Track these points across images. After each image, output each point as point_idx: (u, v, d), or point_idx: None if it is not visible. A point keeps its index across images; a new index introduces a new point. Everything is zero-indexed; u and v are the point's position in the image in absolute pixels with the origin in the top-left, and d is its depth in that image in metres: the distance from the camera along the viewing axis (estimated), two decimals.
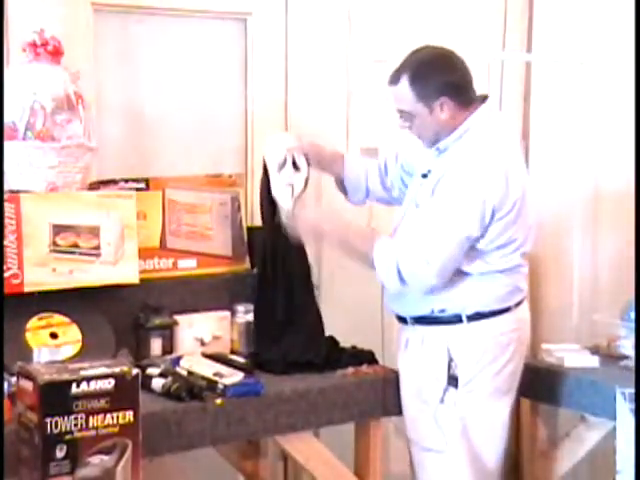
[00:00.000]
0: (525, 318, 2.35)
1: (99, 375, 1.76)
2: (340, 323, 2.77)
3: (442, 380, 2.23)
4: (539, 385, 2.56)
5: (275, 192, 2.35)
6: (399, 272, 2.16)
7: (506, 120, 2.40)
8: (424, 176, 2.28)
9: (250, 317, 2.51)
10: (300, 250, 2.42)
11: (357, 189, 2.50)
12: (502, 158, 2.18)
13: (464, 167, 2.17)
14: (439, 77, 2.16)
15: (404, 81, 2.18)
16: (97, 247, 2.29)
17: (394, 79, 2.20)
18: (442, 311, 2.25)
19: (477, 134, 2.21)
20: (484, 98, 2.27)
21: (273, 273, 2.42)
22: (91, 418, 1.74)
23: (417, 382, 2.28)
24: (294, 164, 2.36)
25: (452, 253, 2.15)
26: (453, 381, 2.22)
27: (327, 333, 2.49)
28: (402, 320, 2.35)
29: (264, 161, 2.40)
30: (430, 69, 2.17)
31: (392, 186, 2.49)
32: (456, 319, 2.24)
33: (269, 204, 2.38)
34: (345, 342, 2.55)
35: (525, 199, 2.20)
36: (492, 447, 2.29)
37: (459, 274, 2.21)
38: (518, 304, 2.29)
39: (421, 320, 2.29)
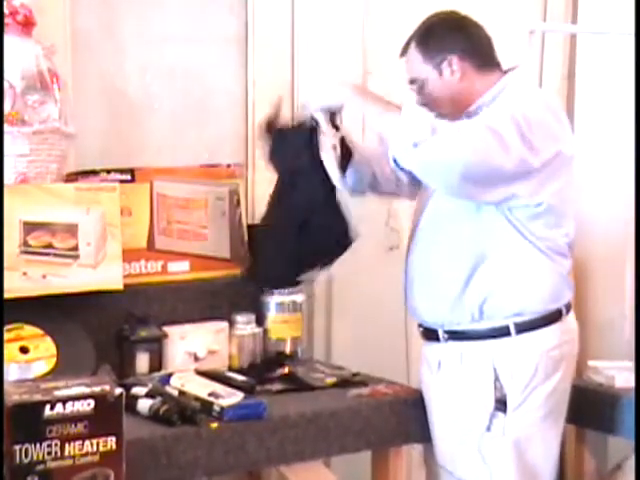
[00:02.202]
0: (575, 328, 2.35)
1: (76, 396, 1.75)
2: (357, 338, 2.76)
3: (489, 404, 2.22)
4: (586, 409, 2.55)
5: (325, 159, 2.30)
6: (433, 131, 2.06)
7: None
8: None
9: (251, 329, 2.51)
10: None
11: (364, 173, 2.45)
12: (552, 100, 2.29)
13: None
14: (445, 35, 2.28)
15: (412, 47, 2.30)
16: (75, 248, 2.29)
17: (404, 49, 2.33)
18: (481, 315, 2.23)
19: (516, 90, 2.24)
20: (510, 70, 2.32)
21: None
22: (67, 445, 1.73)
23: (456, 408, 2.27)
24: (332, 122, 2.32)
25: (489, 136, 2.06)
26: (501, 405, 2.22)
27: (340, 351, 2.47)
28: (432, 337, 2.34)
29: (308, 120, 2.31)
30: (437, 29, 2.30)
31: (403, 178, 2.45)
32: (502, 332, 2.23)
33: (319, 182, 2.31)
34: (363, 359, 2.54)
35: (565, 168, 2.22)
36: (544, 478, 2.30)
37: (497, 261, 2.21)
38: (567, 309, 2.30)
39: (458, 335, 2.28)
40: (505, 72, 2.30)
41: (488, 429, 2.23)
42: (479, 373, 2.24)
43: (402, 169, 2.15)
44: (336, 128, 2.31)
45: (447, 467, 2.32)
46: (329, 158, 2.30)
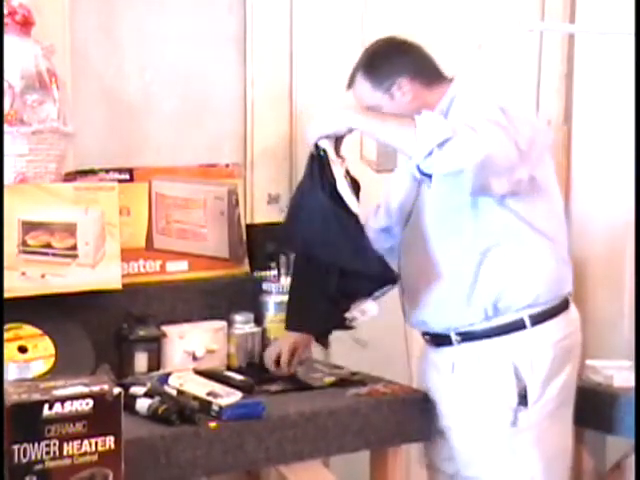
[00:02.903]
0: (578, 317, 2.39)
1: (75, 395, 1.75)
2: (356, 337, 2.74)
3: (512, 400, 2.24)
4: (584, 408, 2.54)
5: (341, 189, 2.27)
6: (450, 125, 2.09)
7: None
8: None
9: (249, 328, 2.52)
10: None
11: None
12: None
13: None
14: (391, 59, 2.31)
15: (359, 77, 2.32)
16: (73, 247, 2.29)
17: (350, 81, 2.35)
18: (495, 312, 2.23)
19: (470, 90, 2.27)
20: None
21: None
22: (66, 445, 1.73)
23: (476, 408, 2.27)
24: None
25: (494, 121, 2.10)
26: (522, 399, 2.24)
27: (339, 350, 2.47)
28: (443, 342, 2.33)
29: (317, 151, 2.27)
30: (381, 55, 2.33)
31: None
32: (518, 326, 2.25)
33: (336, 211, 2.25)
34: (362, 359, 2.54)
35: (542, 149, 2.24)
36: (562, 473, 2.33)
37: (503, 253, 2.22)
38: (570, 297, 2.33)
39: (472, 335, 2.28)
40: (451, 80, 2.32)
41: (513, 424, 2.24)
42: (499, 370, 2.24)
43: (425, 175, 2.13)
44: (341, 158, 2.29)
45: (469, 472, 2.31)
46: (344, 187, 2.27)
